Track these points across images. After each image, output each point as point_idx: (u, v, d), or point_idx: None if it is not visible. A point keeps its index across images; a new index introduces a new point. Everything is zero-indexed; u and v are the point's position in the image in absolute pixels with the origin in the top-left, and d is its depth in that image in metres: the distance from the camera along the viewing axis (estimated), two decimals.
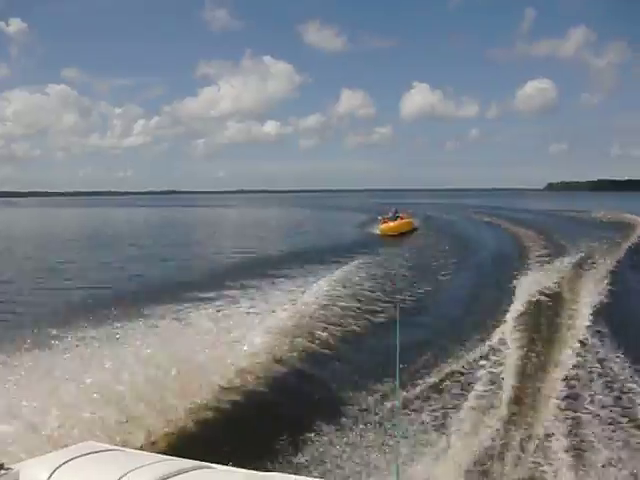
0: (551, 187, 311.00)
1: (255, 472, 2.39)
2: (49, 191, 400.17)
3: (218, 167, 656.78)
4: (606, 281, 16.98)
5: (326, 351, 11.19)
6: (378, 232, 36.46)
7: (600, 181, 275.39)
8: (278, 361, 10.11)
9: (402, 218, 38.26)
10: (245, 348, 10.21)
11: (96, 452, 2.49)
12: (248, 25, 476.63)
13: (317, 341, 11.51)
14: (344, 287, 16.50)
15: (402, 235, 35.19)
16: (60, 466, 2.24)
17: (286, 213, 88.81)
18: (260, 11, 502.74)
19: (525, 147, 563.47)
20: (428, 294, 17.37)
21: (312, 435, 7.39)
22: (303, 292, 15.40)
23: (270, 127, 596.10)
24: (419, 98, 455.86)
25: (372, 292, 16.39)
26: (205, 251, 32.76)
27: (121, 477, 2.14)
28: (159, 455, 2.83)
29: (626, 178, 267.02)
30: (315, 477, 5.69)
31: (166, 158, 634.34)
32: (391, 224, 36.47)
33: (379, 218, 38.66)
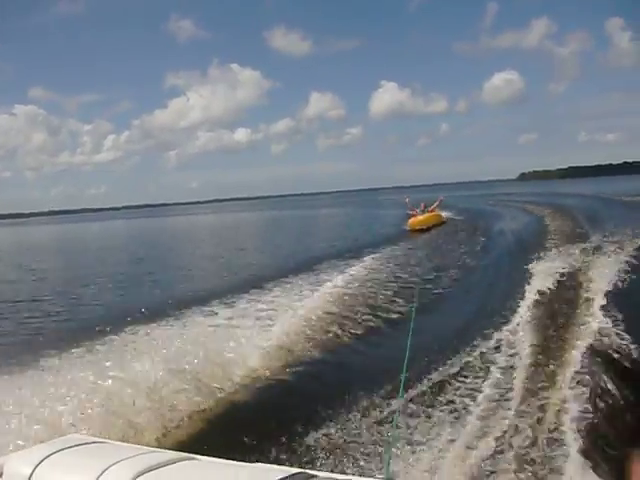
0: (523, 177, 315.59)
1: (239, 463, 2.45)
2: (23, 212, 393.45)
3: (191, 177, 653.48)
4: None
5: (339, 347, 11.47)
6: (407, 227, 34.97)
7: (570, 168, 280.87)
8: (285, 358, 10.46)
9: (430, 212, 36.51)
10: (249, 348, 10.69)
11: (80, 445, 2.50)
12: (214, 34, 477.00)
13: (328, 338, 11.77)
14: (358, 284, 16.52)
15: (430, 229, 33.58)
16: (44, 459, 2.27)
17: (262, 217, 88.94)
18: (225, 20, 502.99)
19: (496, 139, 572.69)
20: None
21: (309, 430, 7.46)
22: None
23: (241, 134, 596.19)
24: (388, 97, 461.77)
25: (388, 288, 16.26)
26: (205, 258, 32.47)
27: (105, 469, 2.17)
28: (144, 447, 2.87)
29: (595, 164, 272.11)
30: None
31: (139, 172, 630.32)
32: (420, 217, 35.05)
33: (408, 213, 37.18)
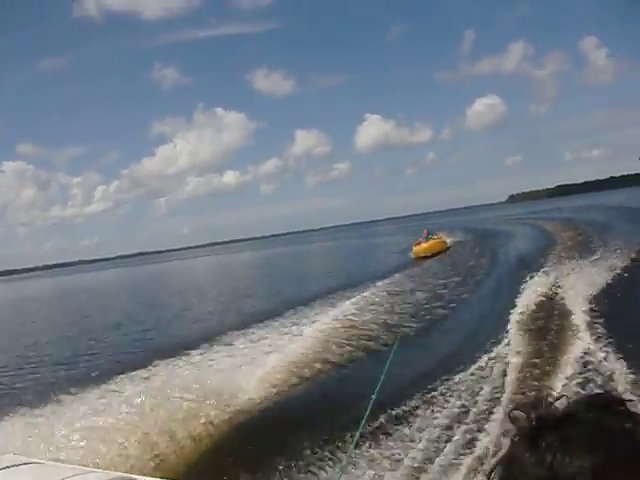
0: (513, 199, 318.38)
1: None
2: (16, 268, 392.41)
3: (183, 223, 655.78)
4: None
5: (326, 378, 11.72)
6: (412, 255, 35.60)
7: (558, 187, 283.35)
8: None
9: (434, 239, 37.38)
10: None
11: (15, 465, 2.43)
12: (197, 80, 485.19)
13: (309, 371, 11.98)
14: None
15: (435, 255, 34.05)
16: None
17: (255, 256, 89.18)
18: (208, 65, 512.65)
19: (482, 164, 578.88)
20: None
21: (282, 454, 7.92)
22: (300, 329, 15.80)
23: (230, 177, 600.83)
24: (373, 129, 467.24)
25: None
26: (196, 301, 33.22)
27: None
28: (81, 467, 2.81)
29: (582, 181, 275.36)
30: None
31: (130, 221, 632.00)
32: (424, 245, 35.69)
33: (414, 239, 38.22)
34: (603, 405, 0.92)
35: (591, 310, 12.66)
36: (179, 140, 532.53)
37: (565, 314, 12.87)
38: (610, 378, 8.79)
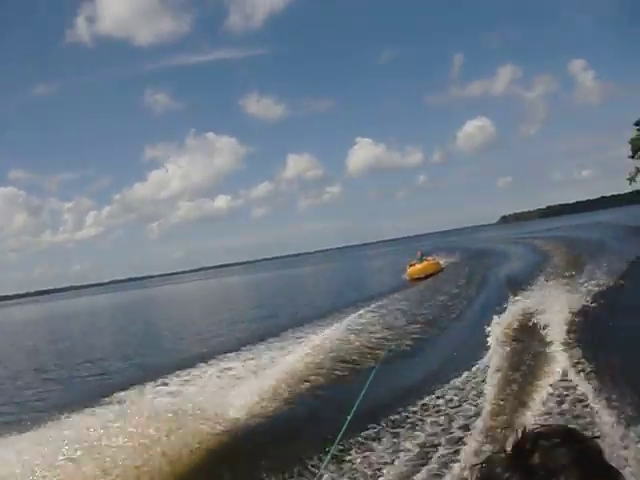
0: (505, 220, 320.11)
1: None
2: (8, 294, 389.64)
3: (175, 247, 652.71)
4: None
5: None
6: (406, 277, 35.50)
7: (549, 207, 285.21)
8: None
9: (428, 260, 37.44)
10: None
11: None
12: (189, 105, 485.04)
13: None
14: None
15: (429, 277, 33.97)
16: None
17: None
18: (199, 90, 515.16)
19: (473, 185, 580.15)
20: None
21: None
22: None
23: (221, 202, 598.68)
24: (364, 153, 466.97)
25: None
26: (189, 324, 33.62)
27: None
28: None
29: (573, 201, 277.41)
30: None
31: (122, 246, 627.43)
32: (418, 266, 35.75)
33: (408, 261, 38.09)
34: (554, 437, 0.95)
35: (568, 332, 12.48)
36: (171, 165, 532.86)
37: (542, 337, 12.69)
38: (582, 405, 8.65)
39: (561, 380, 9.80)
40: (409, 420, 9.49)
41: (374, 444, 8.61)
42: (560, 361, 10.76)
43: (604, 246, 30.79)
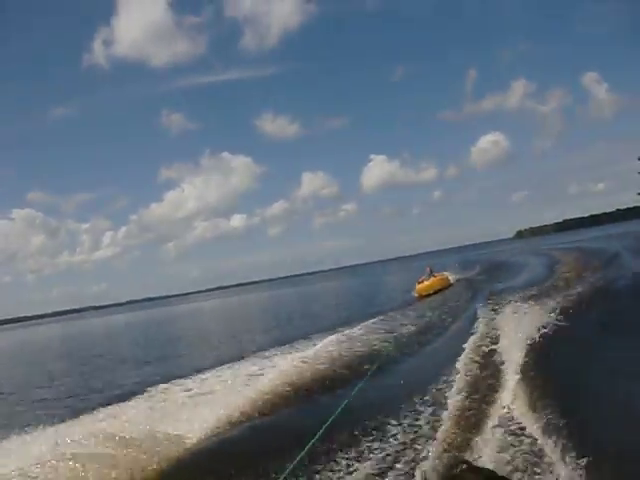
0: (520, 234, 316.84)
1: None
2: (26, 315, 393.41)
3: (191, 267, 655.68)
4: None
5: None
6: (415, 294, 34.88)
7: (565, 221, 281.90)
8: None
9: (436, 276, 36.97)
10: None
11: None
12: (204, 125, 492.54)
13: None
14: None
15: (437, 292, 33.78)
16: None
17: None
18: (214, 110, 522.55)
19: (489, 200, 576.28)
20: None
21: None
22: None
23: (237, 221, 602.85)
24: (378, 170, 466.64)
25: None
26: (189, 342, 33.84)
27: None
28: None
29: (589, 214, 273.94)
30: None
31: (139, 266, 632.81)
32: (426, 283, 35.38)
33: (418, 277, 37.46)
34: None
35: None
36: (187, 185, 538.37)
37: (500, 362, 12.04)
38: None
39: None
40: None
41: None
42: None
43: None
